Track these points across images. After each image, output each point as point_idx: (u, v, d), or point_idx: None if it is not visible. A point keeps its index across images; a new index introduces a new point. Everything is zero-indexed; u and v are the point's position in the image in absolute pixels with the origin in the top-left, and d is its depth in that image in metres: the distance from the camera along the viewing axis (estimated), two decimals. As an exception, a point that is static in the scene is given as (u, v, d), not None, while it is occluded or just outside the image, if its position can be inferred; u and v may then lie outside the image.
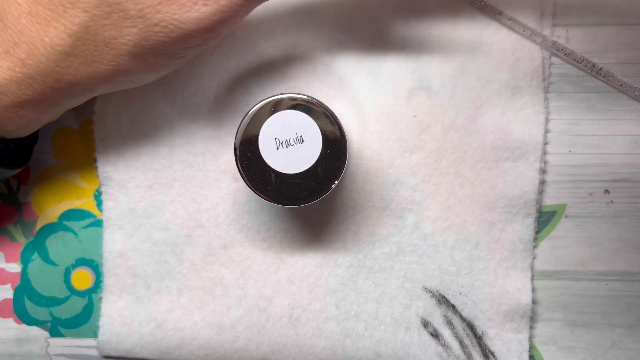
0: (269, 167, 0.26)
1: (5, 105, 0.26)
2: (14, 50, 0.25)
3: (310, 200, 0.26)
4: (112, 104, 0.31)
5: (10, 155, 0.29)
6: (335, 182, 0.26)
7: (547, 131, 0.31)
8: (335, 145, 0.26)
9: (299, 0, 0.31)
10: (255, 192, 0.26)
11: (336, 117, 0.26)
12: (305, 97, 0.26)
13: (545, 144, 0.31)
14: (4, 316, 0.33)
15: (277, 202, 0.26)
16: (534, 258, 0.32)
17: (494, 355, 0.31)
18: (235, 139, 0.26)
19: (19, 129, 0.28)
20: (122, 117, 0.31)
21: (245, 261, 0.32)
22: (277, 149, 0.25)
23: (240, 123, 0.26)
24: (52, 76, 0.26)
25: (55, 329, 0.33)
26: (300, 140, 0.25)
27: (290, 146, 0.25)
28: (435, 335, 0.32)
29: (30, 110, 0.27)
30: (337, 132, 0.26)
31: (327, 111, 0.26)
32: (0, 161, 0.29)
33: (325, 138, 0.25)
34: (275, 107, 0.26)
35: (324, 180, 0.26)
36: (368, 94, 0.31)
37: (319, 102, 0.26)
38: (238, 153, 0.26)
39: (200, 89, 0.31)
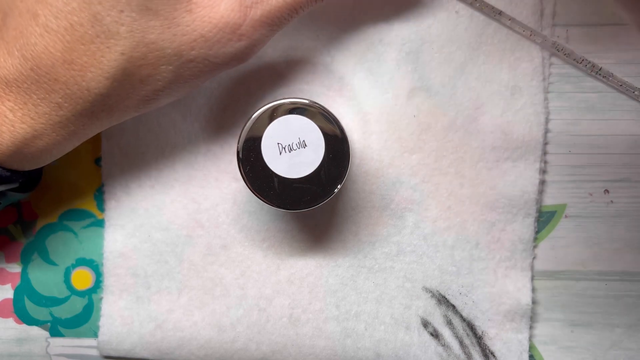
0: (272, 171, 0.26)
1: (40, 148, 0.26)
2: (50, 96, 0.25)
3: (313, 205, 0.26)
4: None
5: (25, 181, 0.29)
6: (338, 186, 0.26)
7: (547, 131, 0.31)
8: (337, 150, 0.26)
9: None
10: (258, 197, 0.26)
11: (339, 122, 0.26)
12: (308, 101, 0.26)
13: (545, 144, 0.31)
14: (4, 316, 0.33)
15: (280, 207, 0.26)
16: (534, 258, 0.32)
17: (494, 355, 0.31)
18: (238, 144, 0.26)
19: (43, 162, 0.28)
20: None
21: (245, 261, 0.32)
22: (280, 153, 0.25)
23: (243, 128, 0.26)
24: (87, 114, 0.26)
25: (56, 329, 0.33)
26: (303, 144, 0.25)
27: (293, 151, 0.25)
28: (435, 335, 0.32)
29: (61, 147, 0.27)
30: (340, 137, 0.26)
31: (330, 115, 0.26)
32: (15, 189, 0.29)
33: (328, 142, 0.25)
34: (278, 111, 0.26)
35: (326, 184, 0.26)
36: (368, 94, 0.31)
37: (321, 106, 0.26)
38: (241, 157, 0.26)
39: (202, 90, 0.31)
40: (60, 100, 0.25)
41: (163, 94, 0.26)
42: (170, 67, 0.25)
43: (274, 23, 0.26)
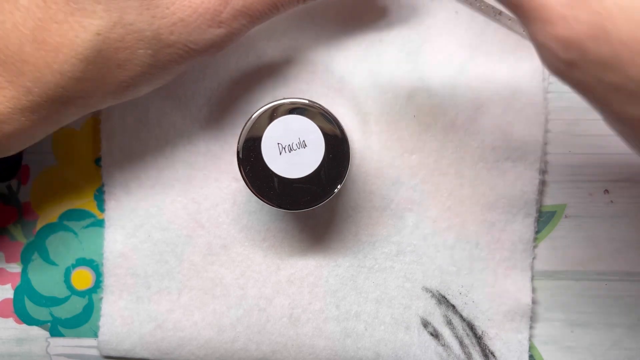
0: (272, 171, 0.26)
1: (7, 133, 0.25)
2: (18, 80, 0.23)
3: (313, 205, 0.26)
4: (118, 105, 0.31)
5: None
6: (338, 186, 0.26)
7: (547, 131, 0.31)
8: (338, 150, 0.26)
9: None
10: (258, 197, 0.26)
11: (339, 122, 0.26)
12: (307, 101, 0.26)
13: (545, 144, 0.31)
14: (4, 316, 0.33)
15: (280, 207, 0.26)
16: (534, 258, 0.32)
17: (494, 355, 0.31)
18: (237, 144, 0.26)
19: (12, 149, 0.26)
20: (128, 117, 0.32)
21: (246, 261, 0.32)
22: (280, 153, 0.25)
23: (243, 128, 0.26)
24: (60, 100, 0.24)
25: (56, 328, 0.33)
26: (303, 144, 0.25)
27: (293, 151, 0.25)
28: (435, 335, 0.32)
29: (31, 133, 0.26)
30: (340, 137, 0.26)
31: (330, 116, 0.26)
32: None
33: (328, 143, 0.25)
34: (278, 111, 0.26)
35: (326, 185, 0.26)
36: (368, 94, 0.31)
37: (321, 106, 0.26)
38: (241, 157, 0.26)
39: (202, 90, 0.31)
40: (29, 84, 0.23)
41: (141, 81, 0.25)
42: (150, 52, 0.24)
43: (255, 15, 0.26)
